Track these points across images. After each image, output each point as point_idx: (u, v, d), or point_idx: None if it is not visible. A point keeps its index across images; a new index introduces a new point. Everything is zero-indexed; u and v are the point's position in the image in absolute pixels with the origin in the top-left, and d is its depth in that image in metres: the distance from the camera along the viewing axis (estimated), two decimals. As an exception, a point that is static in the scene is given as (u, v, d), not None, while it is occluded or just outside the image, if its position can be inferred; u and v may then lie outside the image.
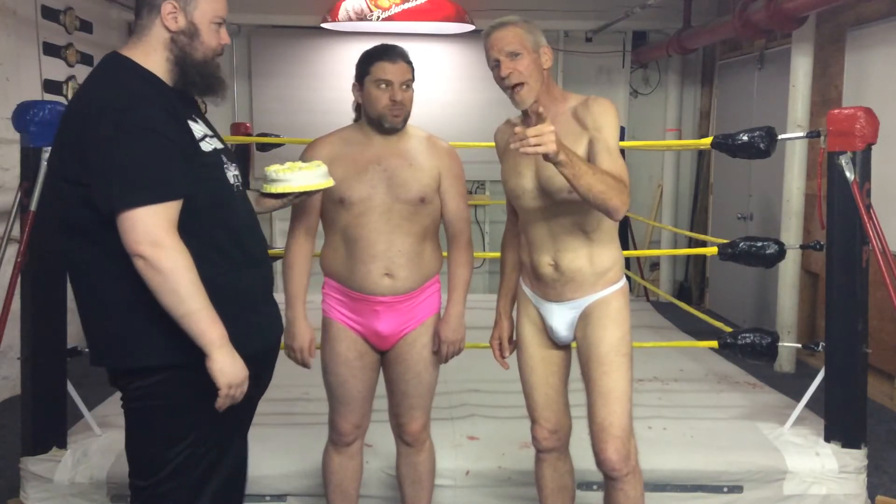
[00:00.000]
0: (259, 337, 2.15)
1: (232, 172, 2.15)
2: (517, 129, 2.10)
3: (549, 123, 2.09)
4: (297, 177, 2.34)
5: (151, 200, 1.89)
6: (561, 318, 2.52)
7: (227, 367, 1.96)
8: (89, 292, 2.03)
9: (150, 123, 1.92)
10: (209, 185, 2.04)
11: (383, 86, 2.55)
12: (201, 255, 1.97)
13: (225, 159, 2.15)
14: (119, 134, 1.90)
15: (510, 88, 2.40)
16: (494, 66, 2.42)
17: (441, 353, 2.71)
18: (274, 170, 2.35)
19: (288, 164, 2.39)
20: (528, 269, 2.58)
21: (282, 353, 3.27)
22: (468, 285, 2.75)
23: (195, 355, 1.96)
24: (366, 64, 2.58)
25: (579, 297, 2.48)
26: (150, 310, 1.93)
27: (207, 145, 2.09)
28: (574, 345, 2.58)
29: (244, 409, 2.15)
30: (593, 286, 2.46)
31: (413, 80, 2.61)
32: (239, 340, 2.01)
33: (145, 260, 1.88)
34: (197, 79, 2.08)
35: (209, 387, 1.97)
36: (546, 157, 2.10)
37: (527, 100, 2.39)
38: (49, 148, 3.16)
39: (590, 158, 2.32)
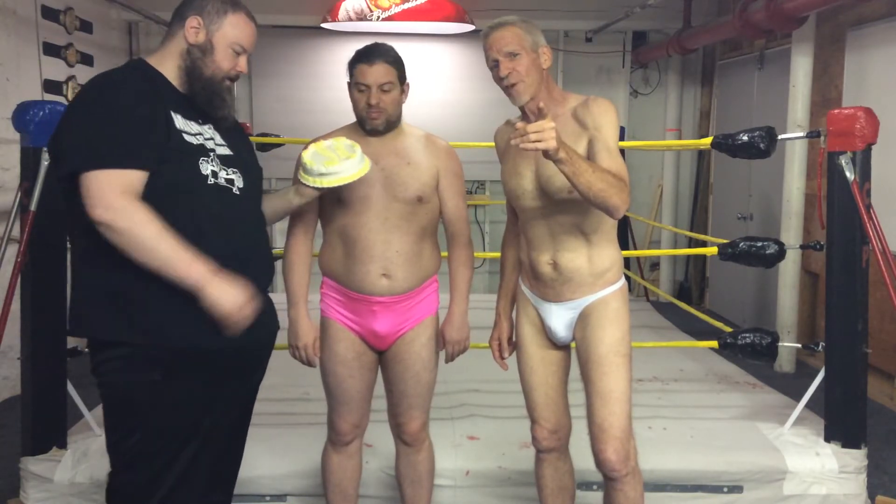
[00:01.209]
0: (217, 334, 2.12)
1: (213, 170, 2.14)
2: (518, 124, 2.11)
3: (549, 120, 2.09)
4: (344, 168, 2.33)
5: (106, 165, 1.96)
6: (559, 318, 2.52)
7: (221, 299, 1.99)
8: (74, 266, 2.14)
9: (117, 99, 2.03)
10: (174, 168, 2.07)
11: (362, 88, 2.55)
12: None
13: (221, 161, 2.17)
14: (84, 106, 2.03)
15: (508, 87, 2.40)
16: (493, 65, 2.42)
17: (447, 353, 2.71)
18: (313, 163, 2.33)
19: (325, 144, 2.37)
20: (527, 269, 2.58)
21: (282, 354, 3.27)
22: (470, 284, 2.76)
23: (140, 336, 2.04)
24: (350, 66, 2.60)
25: (578, 297, 2.48)
26: (109, 283, 2.04)
27: (194, 139, 2.13)
28: (573, 345, 2.58)
29: (198, 410, 2.14)
30: (592, 286, 2.46)
31: (396, 81, 2.57)
32: (188, 332, 2.06)
33: (104, 225, 1.95)
34: (200, 92, 2.17)
35: (156, 383, 2.05)
36: (546, 153, 2.10)
37: (523, 96, 2.40)
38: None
39: (589, 158, 2.32)
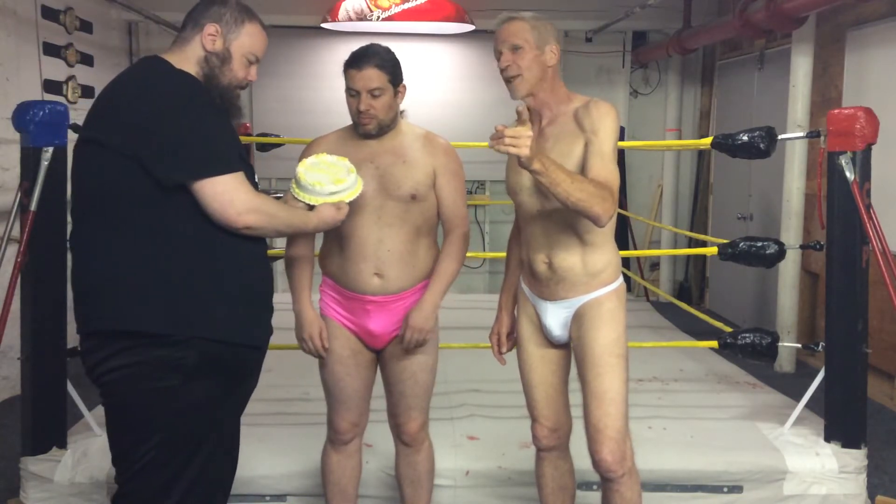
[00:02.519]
0: (247, 333, 2.17)
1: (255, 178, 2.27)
2: (498, 126, 2.12)
3: (527, 128, 2.11)
4: (350, 181, 2.35)
5: (231, 169, 2.06)
6: (555, 317, 2.52)
7: (335, 218, 2.32)
8: (95, 258, 2.09)
9: (210, 106, 2.11)
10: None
11: (353, 93, 2.55)
12: (228, 244, 2.09)
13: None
14: (180, 113, 2.05)
15: (507, 80, 2.43)
16: (498, 56, 2.45)
17: (404, 338, 2.62)
18: (322, 183, 2.31)
19: (308, 163, 2.37)
20: (525, 267, 2.58)
21: (282, 354, 3.26)
22: (451, 278, 2.68)
23: (158, 329, 2.03)
24: (343, 70, 2.58)
25: (572, 296, 2.47)
26: (154, 276, 2.04)
27: None
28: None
29: (213, 414, 2.14)
30: (586, 286, 2.46)
31: (386, 85, 2.54)
32: (229, 329, 2.10)
33: (251, 228, 2.07)
34: (217, 100, 2.18)
35: (171, 389, 2.04)
36: (519, 161, 2.13)
37: (520, 90, 2.42)
38: (49, 148, 3.17)
39: (583, 161, 2.33)
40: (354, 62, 2.55)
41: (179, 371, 2.05)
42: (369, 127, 2.57)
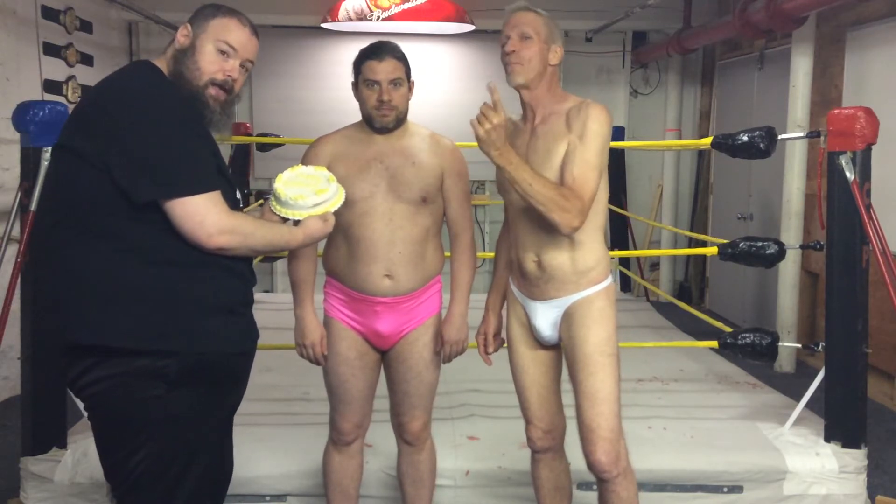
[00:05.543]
0: (228, 342, 2.12)
1: (240, 194, 2.19)
2: (483, 105, 2.27)
3: (499, 115, 2.24)
4: (332, 189, 2.25)
5: (205, 189, 1.98)
6: (544, 316, 2.51)
7: (319, 233, 2.21)
8: (71, 268, 2.02)
9: (189, 117, 2.05)
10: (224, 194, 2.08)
11: (374, 86, 2.55)
12: (207, 256, 2.02)
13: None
14: (167, 122, 1.99)
15: (507, 64, 2.44)
16: (504, 41, 2.45)
17: (444, 353, 2.70)
18: (305, 197, 2.21)
19: (286, 178, 2.26)
20: (515, 267, 2.58)
21: (282, 354, 3.26)
22: (471, 285, 2.75)
23: (147, 346, 1.98)
24: (357, 64, 2.59)
25: (562, 295, 2.46)
26: (138, 293, 1.98)
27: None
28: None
29: (203, 421, 2.10)
30: (576, 285, 2.45)
31: (404, 77, 2.59)
32: (207, 341, 2.05)
33: (225, 250, 2.01)
34: (188, 97, 2.09)
35: (156, 398, 1.99)
36: (480, 146, 2.26)
37: (517, 77, 2.44)
38: (49, 148, 3.17)
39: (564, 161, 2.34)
40: (374, 53, 2.55)
41: (162, 380, 2.00)
42: (388, 119, 2.57)
